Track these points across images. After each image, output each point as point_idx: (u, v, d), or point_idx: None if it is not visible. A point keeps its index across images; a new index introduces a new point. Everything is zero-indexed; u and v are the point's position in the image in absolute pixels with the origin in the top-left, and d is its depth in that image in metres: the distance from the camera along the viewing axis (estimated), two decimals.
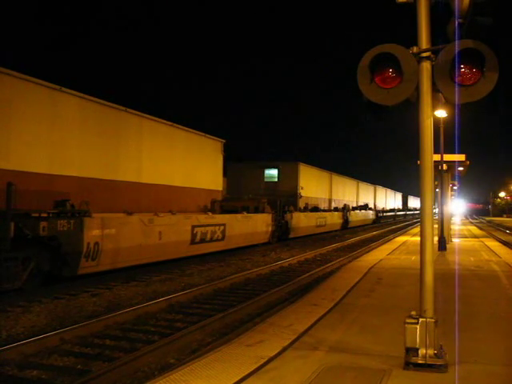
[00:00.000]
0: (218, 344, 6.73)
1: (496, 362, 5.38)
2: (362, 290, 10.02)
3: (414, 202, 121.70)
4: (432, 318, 4.99)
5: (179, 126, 21.92)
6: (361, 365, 5.21)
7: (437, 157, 19.17)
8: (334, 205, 47.74)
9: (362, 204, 59.40)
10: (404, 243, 23.69)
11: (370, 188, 73.62)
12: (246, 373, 4.95)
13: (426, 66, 5.11)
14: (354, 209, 50.10)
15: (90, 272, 12.87)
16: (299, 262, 18.47)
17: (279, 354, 5.61)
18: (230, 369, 5.07)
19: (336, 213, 41.80)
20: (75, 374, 6.11)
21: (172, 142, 21.34)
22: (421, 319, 4.97)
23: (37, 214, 11.90)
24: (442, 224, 20.25)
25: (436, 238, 18.47)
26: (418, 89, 5.16)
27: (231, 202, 25.81)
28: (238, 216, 22.41)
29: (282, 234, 27.74)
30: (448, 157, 21.57)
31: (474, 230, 42.56)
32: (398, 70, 5.14)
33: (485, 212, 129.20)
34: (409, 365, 4.99)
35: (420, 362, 4.94)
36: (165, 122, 20.88)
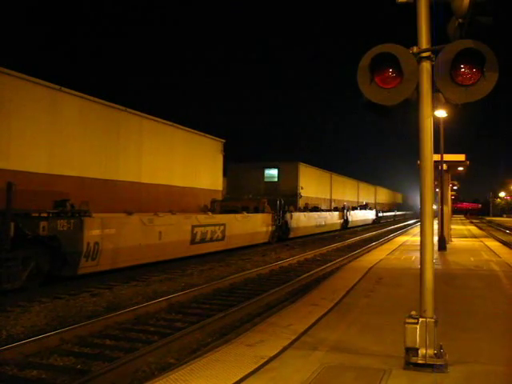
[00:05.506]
0: (218, 344, 6.72)
1: (496, 362, 5.38)
2: (362, 290, 10.01)
3: (413, 202, 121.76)
4: (432, 317, 4.99)
5: (179, 126, 21.96)
6: (361, 365, 5.21)
7: (437, 157, 19.17)
8: (334, 205, 47.80)
9: (362, 204, 59.44)
10: (404, 243, 23.69)
11: (371, 188, 73.75)
12: (246, 373, 4.95)
13: (426, 66, 5.11)
14: (353, 209, 50.11)
15: (89, 272, 12.88)
16: (299, 261, 18.46)
17: (279, 353, 5.61)
18: (230, 369, 5.07)
19: (336, 213, 41.80)
20: (75, 374, 6.11)
21: (172, 142, 21.37)
22: (421, 319, 4.97)
23: (37, 214, 11.91)
24: (442, 224, 20.25)
25: (436, 238, 18.48)
26: (418, 89, 5.16)
27: (231, 201, 25.84)
28: (238, 216, 22.41)
29: (281, 234, 27.74)
30: (448, 157, 21.57)
31: (474, 229, 42.61)
32: (398, 70, 5.14)
33: (484, 212, 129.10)
34: (409, 365, 4.99)
35: (420, 361, 4.94)
36: (165, 121, 20.91)
